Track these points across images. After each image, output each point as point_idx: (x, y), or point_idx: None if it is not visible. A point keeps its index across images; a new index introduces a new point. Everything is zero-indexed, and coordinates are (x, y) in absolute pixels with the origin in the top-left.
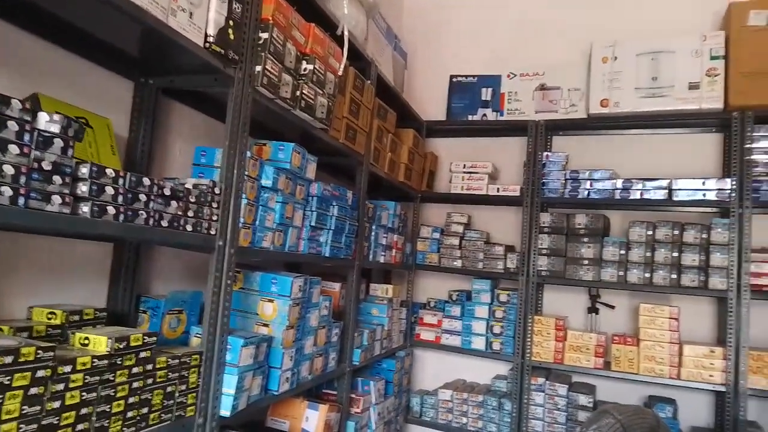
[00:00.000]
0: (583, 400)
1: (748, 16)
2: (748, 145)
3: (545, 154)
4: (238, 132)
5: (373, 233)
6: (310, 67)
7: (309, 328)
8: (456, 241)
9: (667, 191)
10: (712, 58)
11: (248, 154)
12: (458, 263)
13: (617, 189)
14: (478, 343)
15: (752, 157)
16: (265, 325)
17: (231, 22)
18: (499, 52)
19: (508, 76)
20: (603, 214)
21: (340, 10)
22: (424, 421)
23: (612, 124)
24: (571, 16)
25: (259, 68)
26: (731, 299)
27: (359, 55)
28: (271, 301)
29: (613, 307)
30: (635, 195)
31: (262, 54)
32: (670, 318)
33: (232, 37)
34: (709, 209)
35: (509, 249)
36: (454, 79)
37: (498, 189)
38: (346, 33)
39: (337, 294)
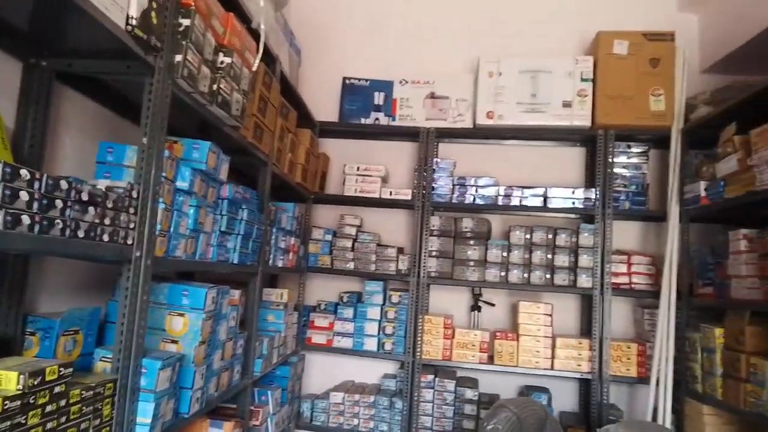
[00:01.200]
0: (470, 393)
1: (613, 45)
2: (610, 160)
3: (435, 160)
4: (157, 128)
5: (273, 237)
6: (228, 60)
7: (218, 342)
8: (349, 243)
9: (542, 198)
10: (583, 80)
11: (166, 153)
12: (351, 265)
13: (500, 195)
14: (371, 344)
15: (614, 170)
16: (174, 342)
17: (154, 5)
18: (392, 58)
19: (401, 82)
20: (487, 219)
21: (254, 1)
22: (315, 426)
23: (496, 134)
24: (461, 30)
25: (179, 58)
26: (596, 296)
27: (267, 50)
28: (181, 314)
29: (493, 304)
30: (515, 201)
31: (183, 42)
32: (545, 314)
33: (155, 21)
34: (577, 215)
35: (400, 251)
36: (347, 81)
37: (390, 192)
38: (262, 26)
39: (237, 302)
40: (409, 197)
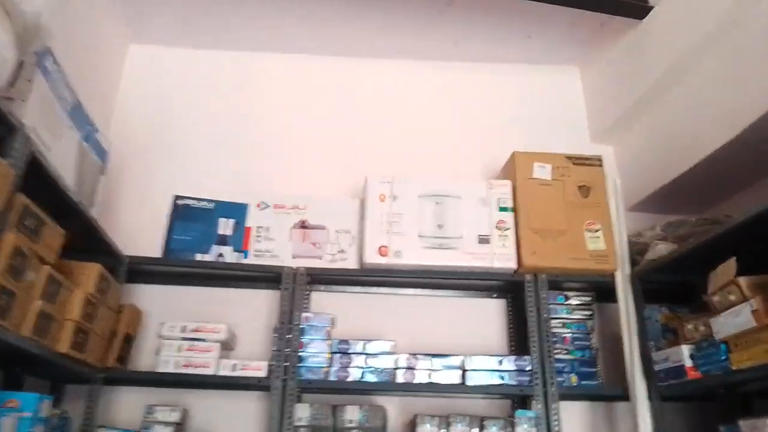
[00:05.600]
0: None
1: (533, 168)
2: (545, 316)
3: (305, 315)
4: None
5: None
6: None
7: None
8: None
9: (460, 372)
10: (501, 209)
11: None
12: None
13: (399, 368)
14: None
15: (551, 330)
16: None
17: None
18: (248, 174)
19: (258, 205)
20: (381, 405)
21: None
22: None
23: (391, 279)
24: (343, 142)
25: None
26: None
27: None
28: None
29: None
30: (422, 377)
31: None
32: None
33: None
34: (503, 396)
35: None
36: (180, 202)
37: (234, 367)
38: None
39: None
40: (263, 373)
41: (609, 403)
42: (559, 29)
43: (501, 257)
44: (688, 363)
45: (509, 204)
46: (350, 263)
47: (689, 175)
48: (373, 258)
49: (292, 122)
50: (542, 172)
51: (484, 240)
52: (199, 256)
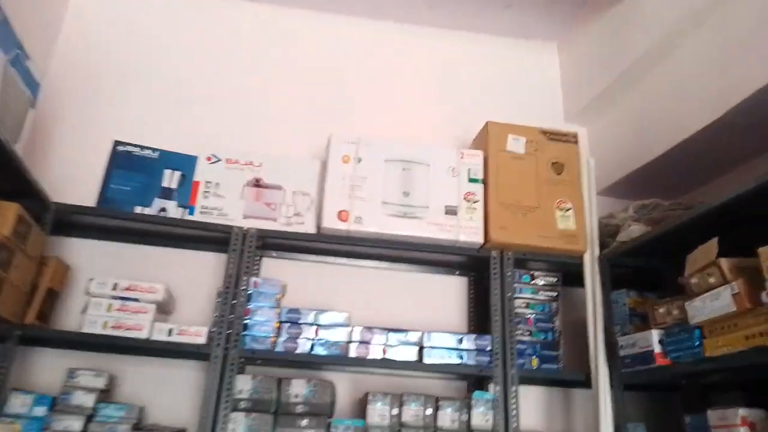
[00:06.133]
0: None
1: (507, 141)
2: (509, 295)
3: (253, 280)
4: None
5: None
6: None
7: None
8: (78, 425)
9: (417, 349)
10: (471, 180)
11: None
12: None
13: (353, 341)
14: None
15: (515, 310)
16: None
17: None
18: (200, 124)
19: (209, 159)
20: (330, 381)
21: None
22: None
23: (350, 248)
24: (307, 99)
25: None
26: None
27: None
28: None
29: None
30: (376, 352)
31: None
32: None
33: None
34: (460, 377)
35: None
36: (121, 148)
37: (171, 331)
38: None
39: None
40: (203, 340)
41: (568, 390)
42: (539, 2)
43: (467, 230)
44: (657, 349)
45: (480, 175)
46: (307, 227)
47: (663, 159)
48: (331, 222)
49: (253, 74)
50: (516, 144)
51: (451, 211)
52: (138, 209)
